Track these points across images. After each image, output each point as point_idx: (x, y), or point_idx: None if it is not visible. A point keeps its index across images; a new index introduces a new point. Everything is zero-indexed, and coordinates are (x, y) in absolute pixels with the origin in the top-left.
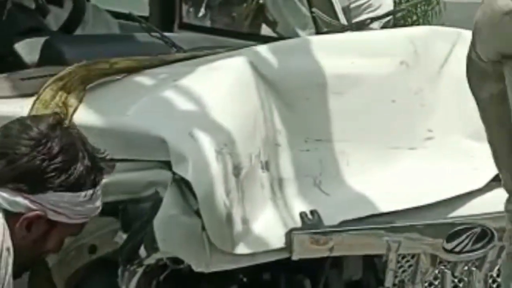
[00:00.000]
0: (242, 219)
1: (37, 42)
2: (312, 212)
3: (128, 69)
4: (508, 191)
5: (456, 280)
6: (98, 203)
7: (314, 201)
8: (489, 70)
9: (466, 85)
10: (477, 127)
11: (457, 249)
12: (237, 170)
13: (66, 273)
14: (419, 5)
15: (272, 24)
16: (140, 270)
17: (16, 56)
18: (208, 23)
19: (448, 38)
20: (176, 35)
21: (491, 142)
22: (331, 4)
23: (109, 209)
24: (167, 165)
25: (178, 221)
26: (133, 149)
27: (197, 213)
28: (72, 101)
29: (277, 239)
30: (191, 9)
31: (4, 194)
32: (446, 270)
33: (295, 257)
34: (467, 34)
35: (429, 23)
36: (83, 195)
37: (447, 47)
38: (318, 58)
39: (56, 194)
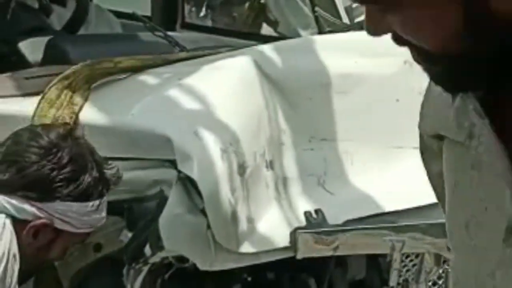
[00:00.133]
0: (247, 218)
1: (41, 41)
2: (316, 211)
3: (132, 68)
4: None
5: None
6: (104, 214)
7: (318, 200)
8: (434, 146)
9: None
10: None
11: None
12: (242, 169)
13: (71, 271)
14: None
15: (274, 24)
16: (145, 269)
17: (19, 55)
18: (209, 23)
19: None
20: (179, 35)
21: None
22: (334, 4)
23: (114, 208)
24: (172, 163)
25: (183, 220)
26: (138, 147)
27: (202, 212)
28: (77, 100)
29: (281, 238)
30: (193, 9)
31: (13, 201)
32: (450, 270)
33: (299, 256)
34: None
35: None
36: (90, 205)
37: None
38: (322, 57)
39: (63, 204)
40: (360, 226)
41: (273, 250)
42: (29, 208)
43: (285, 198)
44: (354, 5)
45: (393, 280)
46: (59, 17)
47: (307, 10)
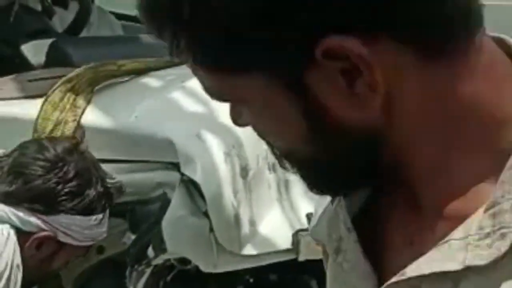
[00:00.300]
0: (249, 221)
1: (43, 44)
2: None
3: (135, 71)
4: None
5: None
6: (105, 228)
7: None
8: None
9: None
10: None
11: None
12: (244, 171)
13: (74, 273)
14: None
15: None
16: (148, 271)
17: (22, 57)
18: None
19: None
20: None
21: None
22: None
23: (117, 210)
24: (175, 166)
25: (186, 222)
26: (141, 150)
27: (205, 214)
28: (80, 102)
29: (283, 240)
30: None
31: (20, 214)
32: None
33: (301, 258)
34: None
35: None
36: (93, 219)
37: None
38: None
39: (67, 217)
40: None
41: (275, 252)
42: (34, 221)
43: (287, 200)
44: None
45: None
46: (61, 19)
47: None
